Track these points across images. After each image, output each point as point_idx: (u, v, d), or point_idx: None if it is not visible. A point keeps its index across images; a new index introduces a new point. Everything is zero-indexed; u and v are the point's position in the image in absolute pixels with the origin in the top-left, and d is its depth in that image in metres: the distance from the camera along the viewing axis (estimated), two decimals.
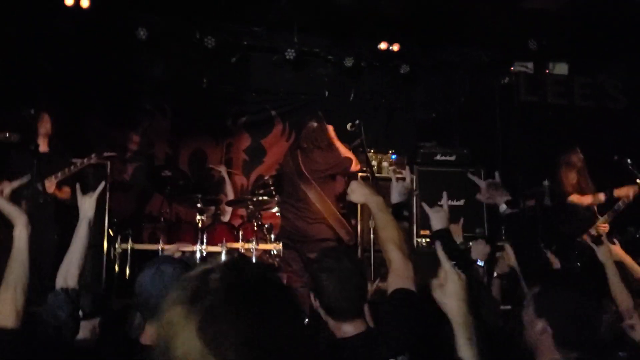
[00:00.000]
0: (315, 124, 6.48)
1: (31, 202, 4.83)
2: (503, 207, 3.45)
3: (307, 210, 6.36)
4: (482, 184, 3.51)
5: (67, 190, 5.69)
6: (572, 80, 8.02)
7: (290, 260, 6.45)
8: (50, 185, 5.54)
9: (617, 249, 4.35)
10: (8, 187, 2.82)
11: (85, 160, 5.78)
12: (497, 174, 3.54)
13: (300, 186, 6.35)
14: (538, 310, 2.41)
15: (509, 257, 4.02)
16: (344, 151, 6.61)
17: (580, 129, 7.48)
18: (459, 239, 4.02)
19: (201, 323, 1.15)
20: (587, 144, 6.74)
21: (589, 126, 7.58)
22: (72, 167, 5.71)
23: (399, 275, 2.63)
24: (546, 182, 6.89)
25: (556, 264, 4.07)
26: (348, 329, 2.54)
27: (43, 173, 5.36)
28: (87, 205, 3.06)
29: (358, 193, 2.96)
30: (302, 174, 6.39)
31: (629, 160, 6.25)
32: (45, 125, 5.79)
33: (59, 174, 5.62)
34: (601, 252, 3.89)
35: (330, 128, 6.61)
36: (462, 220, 4.30)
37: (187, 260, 3.08)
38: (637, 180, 6.21)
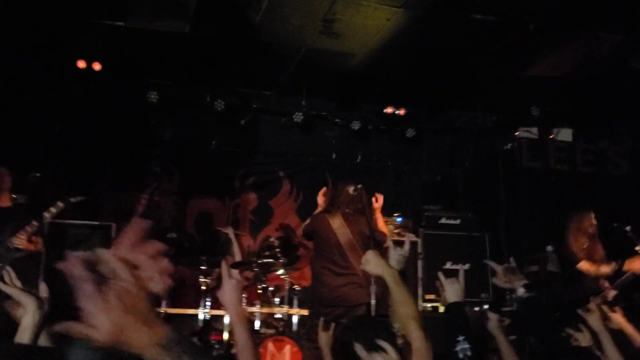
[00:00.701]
0: (352, 188, 5.97)
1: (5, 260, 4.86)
2: (521, 291, 3.44)
3: (352, 275, 5.90)
4: (498, 268, 3.45)
5: (37, 240, 5.61)
6: (575, 146, 8.11)
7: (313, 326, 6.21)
8: (21, 240, 5.45)
9: (617, 317, 4.30)
10: None
11: (53, 209, 5.55)
12: (512, 260, 3.54)
13: (344, 250, 5.96)
14: None
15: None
16: (382, 221, 6.31)
17: (583, 195, 7.52)
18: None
19: None
20: (589, 210, 6.75)
21: (591, 192, 7.62)
22: (43, 219, 5.57)
23: (422, 356, 2.59)
24: (549, 248, 6.89)
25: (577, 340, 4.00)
26: None
27: (11, 229, 5.34)
28: None
29: (373, 264, 2.92)
30: (347, 239, 6.04)
31: (627, 228, 6.25)
32: (5, 180, 5.67)
33: (28, 228, 5.48)
34: (591, 320, 3.85)
35: (378, 197, 6.31)
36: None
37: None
38: (636, 249, 6.20)
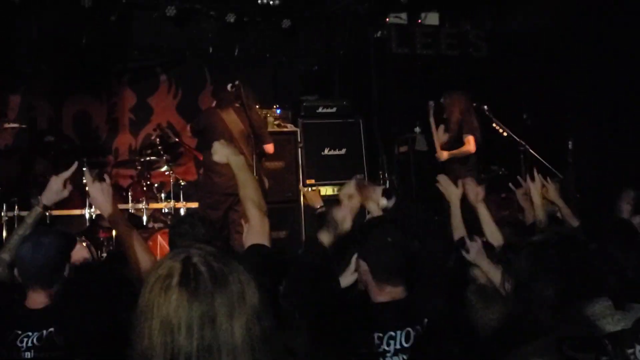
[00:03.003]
0: (229, 85, 6.35)
1: None
2: (383, 202, 3.67)
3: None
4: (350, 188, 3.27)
5: None
6: (439, 31, 8.50)
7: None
8: None
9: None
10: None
11: None
12: (357, 175, 3.74)
13: (237, 141, 6.18)
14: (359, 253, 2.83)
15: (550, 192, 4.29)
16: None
17: (447, 78, 8.01)
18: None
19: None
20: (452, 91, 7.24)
21: (454, 75, 8.12)
22: None
23: (255, 232, 2.88)
24: (417, 129, 7.41)
25: None
26: None
27: None
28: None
29: (220, 153, 3.12)
30: (245, 133, 6.37)
31: (485, 107, 6.83)
32: None
33: None
34: (549, 192, 4.27)
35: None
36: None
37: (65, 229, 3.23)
38: (493, 125, 6.81)
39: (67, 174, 3.13)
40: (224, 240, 6.07)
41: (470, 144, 6.82)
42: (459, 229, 3.76)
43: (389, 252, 2.77)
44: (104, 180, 3.01)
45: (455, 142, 6.94)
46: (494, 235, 3.76)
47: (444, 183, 3.98)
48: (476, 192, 3.90)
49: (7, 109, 7.59)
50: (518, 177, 4.61)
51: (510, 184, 4.71)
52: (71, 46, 7.81)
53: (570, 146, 7.00)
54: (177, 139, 7.46)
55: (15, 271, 2.96)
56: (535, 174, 4.30)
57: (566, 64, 8.12)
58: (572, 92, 8.00)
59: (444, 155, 6.96)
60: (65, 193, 3.11)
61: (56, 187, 3.10)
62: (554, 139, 7.55)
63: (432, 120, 7.17)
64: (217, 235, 2.94)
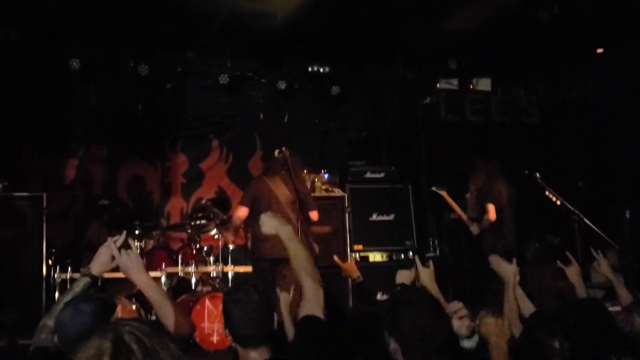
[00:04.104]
0: (276, 151, 6.39)
1: None
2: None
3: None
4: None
5: None
6: (490, 98, 8.47)
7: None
8: None
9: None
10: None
11: None
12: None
13: (284, 208, 6.27)
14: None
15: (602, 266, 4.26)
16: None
17: (498, 145, 7.93)
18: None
19: None
20: (503, 158, 7.16)
21: (505, 141, 8.04)
22: None
23: (310, 304, 2.83)
24: (468, 195, 7.31)
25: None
26: (254, 356, 2.77)
27: None
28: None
29: (268, 225, 3.12)
30: (292, 199, 6.39)
31: (537, 174, 6.70)
32: None
33: None
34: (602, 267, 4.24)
35: None
36: None
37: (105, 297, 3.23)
38: (546, 193, 6.66)
39: (118, 243, 3.06)
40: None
41: (490, 212, 6.74)
42: (511, 303, 3.61)
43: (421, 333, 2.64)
44: (129, 247, 2.99)
45: (480, 210, 6.87)
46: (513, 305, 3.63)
47: (496, 263, 3.83)
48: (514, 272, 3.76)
49: (64, 175, 7.83)
50: (567, 253, 4.48)
51: (557, 262, 4.57)
52: (127, 113, 8.11)
53: (627, 215, 6.78)
54: (219, 215, 7.46)
55: (55, 337, 2.96)
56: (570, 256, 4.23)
57: (621, 132, 7.97)
58: (629, 161, 7.80)
59: (475, 229, 6.91)
60: (114, 264, 3.06)
61: (103, 258, 3.08)
62: (609, 208, 7.32)
63: (451, 200, 7.15)
64: (269, 304, 2.90)
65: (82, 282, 3.11)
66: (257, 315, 2.80)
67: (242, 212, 6.41)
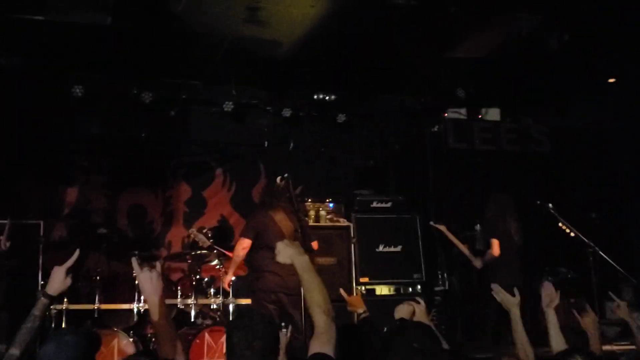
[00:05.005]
0: (278, 179, 6.24)
1: None
2: None
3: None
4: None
5: None
6: (499, 127, 8.33)
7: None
8: None
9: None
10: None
11: None
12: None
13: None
14: None
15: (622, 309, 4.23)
16: None
17: (507, 174, 7.75)
18: None
19: None
20: (513, 188, 6.98)
21: (515, 170, 7.87)
22: None
23: (321, 340, 2.67)
24: (478, 227, 7.10)
25: None
26: None
27: None
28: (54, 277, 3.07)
29: (284, 254, 2.97)
30: (294, 230, 6.26)
31: (550, 205, 6.50)
32: None
33: None
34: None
35: None
36: None
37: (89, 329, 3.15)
38: (559, 224, 6.45)
39: (69, 263, 3.10)
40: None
41: (493, 248, 6.55)
42: (523, 342, 3.53)
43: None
44: (154, 268, 2.98)
45: (486, 244, 6.72)
46: (556, 339, 3.61)
47: (499, 292, 3.78)
48: (551, 298, 3.76)
49: (63, 203, 7.68)
50: (586, 304, 4.43)
51: (574, 311, 4.47)
52: (130, 141, 7.98)
53: None
54: (210, 243, 7.28)
55: None
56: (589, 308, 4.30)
57: (633, 161, 7.79)
58: None
59: (478, 263, 6.74)
60: (68, 282, 3.07)
61: (59, 277, 3.06)
62: (624, 240, 7.11)
63: (451, 235, 6.98)
64: (274, 333, 2.71)
65: (40, 305, 3.03)
66: (261, 346, 2.59)
67: (245, 243, 6.25)
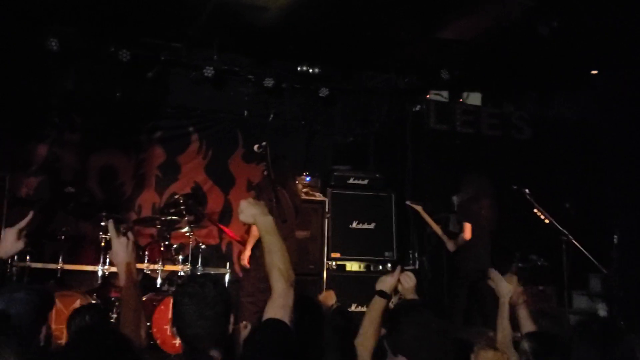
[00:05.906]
0: (256, 146, 6.13)
1: None
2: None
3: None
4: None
5: None
6: (481, 110, 8.27)
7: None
8: None
9: None
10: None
11: None
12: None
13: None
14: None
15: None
16: None
17: (486, 158, 7.71)
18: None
19: None
20: (491, 171, 6.92)
21: (494, 155, 7.83)
22: None
23: (277, 304, 2.55)
24: (455, 199, 7.04)
25: None
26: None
27: None
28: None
29: (247, 213, 2.78)
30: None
31: (527, 190, 6.45)
32: None
33: None
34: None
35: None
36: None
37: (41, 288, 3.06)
38: (534, 210, 6.40)
39: (21, 224, 3.00)
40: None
41: (465, 231, 6.51)
42: (506, 329, 3.49)
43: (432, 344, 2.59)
44: (127, 237, 2.96)
45: (460, 227, 6.67)
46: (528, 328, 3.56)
47: (496, 278, 3.72)
48: (518, 294, 3.67)
49: (32, 158, 7.45)
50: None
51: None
52: (105, 100, 7.74)
53: (615, 240, 6.54)
54: (200, 208, 7.14)
55: None
56: None
57: (613, 155, 7.78)
58: (619, 184, 7.62)
59: (452, 246, 6.68)
60: (20, 245, 2.99)
61: (10, 239, 2.97)
62: (597, 231, 7.11)
63: (426, 216, 6.91)
64: (228, 299, 2.58)
65: None
66: (213, 313, 2.46)
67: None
